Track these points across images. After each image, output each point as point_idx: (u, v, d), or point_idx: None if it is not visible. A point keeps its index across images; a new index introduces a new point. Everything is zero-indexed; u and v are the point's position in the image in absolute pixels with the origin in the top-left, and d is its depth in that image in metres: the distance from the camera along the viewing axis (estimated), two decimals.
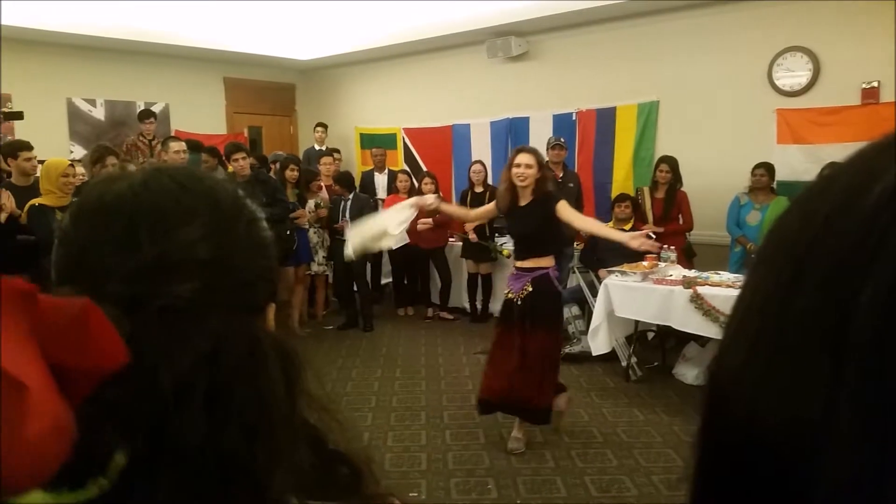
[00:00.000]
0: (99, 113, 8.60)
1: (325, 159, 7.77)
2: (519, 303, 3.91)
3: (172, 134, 7.89)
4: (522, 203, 3.88)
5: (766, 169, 5.73)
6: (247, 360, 0.53)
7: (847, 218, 0.26)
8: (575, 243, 6.47)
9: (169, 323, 0.52)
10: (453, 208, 4.99)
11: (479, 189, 7.05)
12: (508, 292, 4.03)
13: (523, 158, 3.84)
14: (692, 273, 5.19)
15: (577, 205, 6.46)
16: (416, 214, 4.00)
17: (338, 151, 8.52)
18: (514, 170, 3.83)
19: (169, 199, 0.57)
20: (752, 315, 0.30)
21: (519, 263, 4.01)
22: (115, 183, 0.58)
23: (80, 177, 5.26)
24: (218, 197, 0.59)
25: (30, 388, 0.38)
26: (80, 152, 7.87)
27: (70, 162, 5.16)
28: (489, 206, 4.36)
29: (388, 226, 3.79)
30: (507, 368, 3.93)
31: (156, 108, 8.30)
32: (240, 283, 0.57)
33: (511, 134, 8.18)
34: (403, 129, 9.24)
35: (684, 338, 5.33)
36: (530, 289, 3.89)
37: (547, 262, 3.95)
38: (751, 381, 0.28)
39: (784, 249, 0.29)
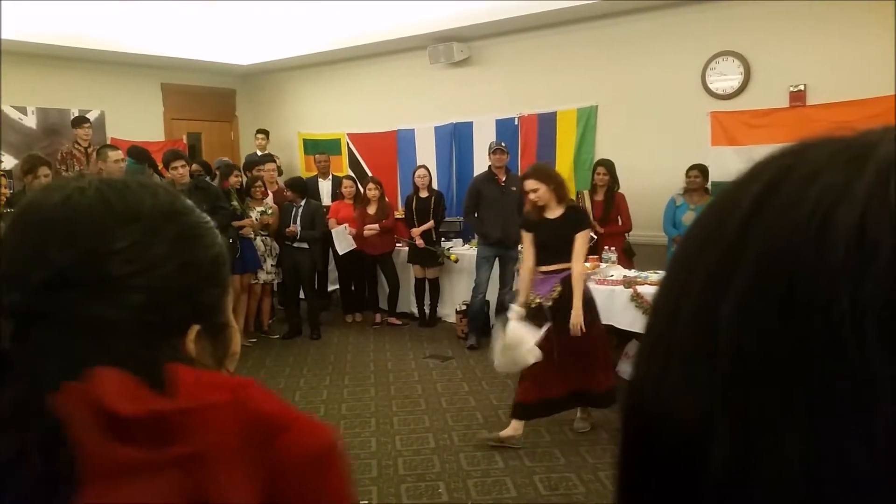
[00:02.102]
0: (30, 121, 8.30)
1: (268, 165, 7.67)
2: (550, 304, 4.04)
3: (108, 142, 7.67)
4: (552, 216, 4.06)
5: (700, 170, 5.91)
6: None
7: (715, 243, 0.30)
8: (518, 245, 6.55)
9: (64, 340, 0.51)
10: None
11: (423, 194, 7.07)
12: (535, 298, 4.11)
13: (528, 185, 4.07)
14: (632, 273, 5.33)
15: (520, 209, 6.56)
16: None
17: (272, 158, 8.35)
18: (528, 197, 4.07)
19: (84, 214, 0.56)
20: (656, 313, 0.33)
21: (544, 269, 4.13)
22: (49, 194, 0.58)
23: (4, 190, 5.07)
24: (140, 211, 0.58)
25: None
26: (10, 162, 7.59)
27: (3, 172, 4.98)
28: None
29: (525, 340, 3.90)
30: (553, 369, 3.99)
31: (90, 116, 8.05)
32: (152, 304, 0.55)
33: (455, 138, 8.23)
34: (347, 134, 9.19)
35: (626, 336, 5.44)
36: (559, 288, 4.04)
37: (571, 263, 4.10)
38: (652, 372, 0.31)
39: (681, 259, 0.32)
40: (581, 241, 4.03)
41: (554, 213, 4.05)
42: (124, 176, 0.64)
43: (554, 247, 4.05)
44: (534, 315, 4.06)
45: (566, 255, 4.03)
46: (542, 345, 3.90)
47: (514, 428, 4.18)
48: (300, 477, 0.41)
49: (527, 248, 4.29)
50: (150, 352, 0.54)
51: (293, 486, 0.40)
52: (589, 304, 4.14)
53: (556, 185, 4.06)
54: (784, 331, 0.26)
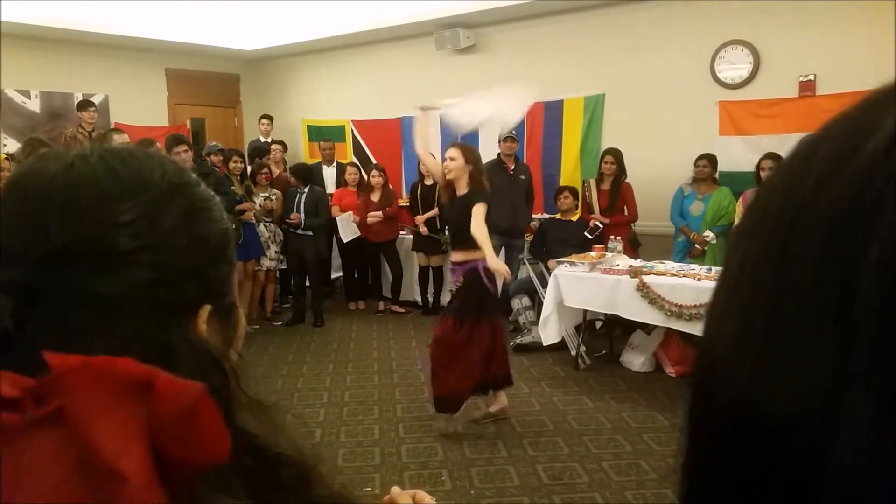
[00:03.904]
0: (34, 105, 8.27)
1: (274, 146, 7.68)
2: (451, 295, 4.17)
3: (112, 126, 7.64)
4: (458, 194, 4.03)
5: (709, 160, 5.86)
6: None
7: (838, 180, 0.24)
8: (525, 235, 6.53)
9: (68, 319, 0.49)
10: None
11: (429, 182, 7.04)
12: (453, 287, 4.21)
13: (449, 152, 4.03)
14: (638, 263, 5.30)
15: (528, 197, 6.54)
16: None
17: (282, 143, 8.37)
18: (444, 164, 4.05)
19: (89, 184, 0.52)
20: (741, 290, 0.27)
21: (453, 257, 4.16)
22: (46, 163, 0.54)
23: (5, 174, 5.06)
24: (148, 182, 0.54)
25: (129, 480, 0.38)
26: (14, 146, 7.56)
27: (6, 155, 4.96)
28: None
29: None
30: (471, 358, 4.04)
31: (94, 100, 8.02)
32: (166, 280, 0.52)
33: None
34: (352, 121, 9.15)
35: (631, 326, 5.43)
36: (461, 282, 4.05)
37: (477, 254, 3.97)
38: (745, 360, 0.26)
39: (771, 220, 0.27)
40: (477, 208, 3.91)
41: (461, 191, 4.03)
42: (128, 146, 0.60)
43: (455, 226, 4.08)
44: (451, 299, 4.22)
45: (468, 241, 3.95)
46: (445, 329, 4.05)
47: (500, 401, 4.34)
48: (174, 428, 0.41)
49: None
50: (160, 333, 0.51)
51: (169, 437, 0.41)
52: (482, 297, 4.05)
53: (475, 167, 4.02)
54: None
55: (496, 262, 4.01)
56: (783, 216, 0.26)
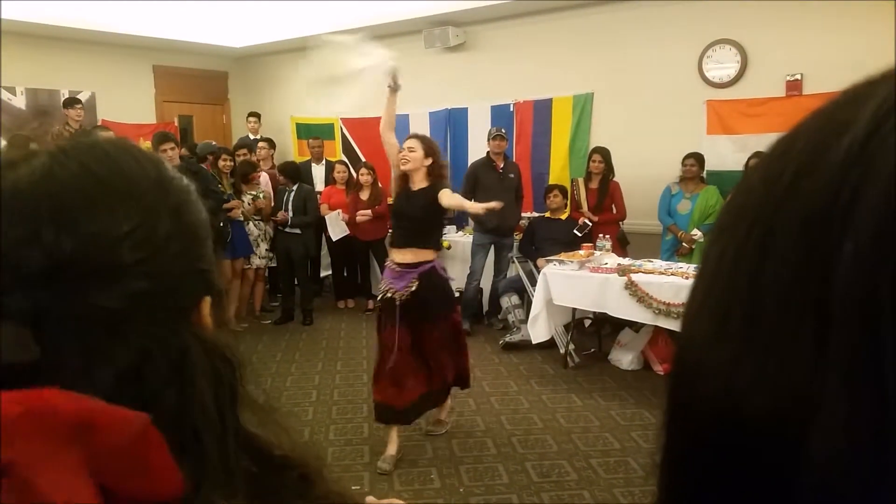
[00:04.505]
0: (19, 101, 8.20)
1: (261, 144, 7.66)
2: (400, 301, 3.70)
3: (99, 123, 7.59)
4: (415, 188, 3.79)
5: (696, 159, 5.89)
6: (174, 374, 0.49)
7: (814, 176, 0.24)
8: (514, 233, 6.55)
9: (84, 338, 0.47)
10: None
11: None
12: (388, 290, 3.77)
13: (408, 142, 3.79)
14: (626, 261, 5.32)
15: (518, 195, 6.55)
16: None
17: (269, 141, 8.32)
18: (400, 154, 3.77)
19: (74, 190, 0.49)
20: (718, 285, 0.28)
21: (399, 258, 3.78)
22: (16, 168, 0.49)
23: None
24: (133, 184, 0.52)
25: None
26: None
27: None
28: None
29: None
30: (411, 369, 3.75)
31: (81, 97, 7.95)
32: (167, 285, 0.51)
33: (450, 124, 8.18)
34: (341, 118, 9.12)
35: (619, 324, 5.45)
36: (416, 283, 3.71)
37: (429, 255, 3.79)
38: (723, 354, 0.26)
39: (747, 215, 0.27)
40: (445, 191, 3.71)
41: (418, 185, 3.78)
42: (95, 139, 0.56)
43: (409, 218, 3.74)
44: (384, 308, 3.81)
45: (423, 237, 3.76)
46: (392, 343, 3.69)
47: (446, 407, 4.19)
48: (120, 464, 0.41)
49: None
50: (174, 336, 0.50)
51: (116, 474, 0.41)
52: (445, 294, 3.89)
53: (435, 161, 3.78)
54: None
55: (479, 206, 3.92)
56: (761, 211, 0.26)
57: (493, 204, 3.88)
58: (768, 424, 0.24)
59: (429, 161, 3.75)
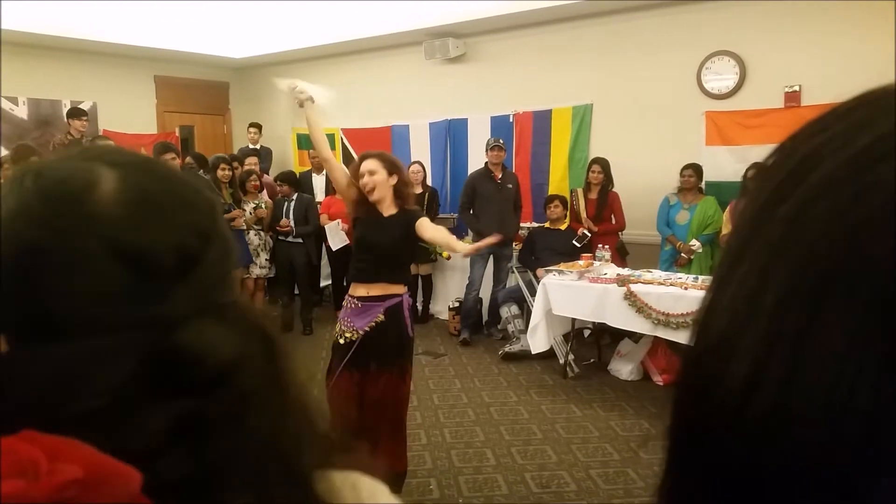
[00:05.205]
0: (21, 112, 8.23)
1: (249, 159, 7.67)
2: (365, 331, 3.24)
3: (101, 133, 7.62)
4: (386, 214, 3.29)
5: (695, 170, 5.91)
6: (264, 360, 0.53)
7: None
8: (514, 244, 6.56)
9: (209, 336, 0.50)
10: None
11: (417, 190, 7.04)
12: (346, 331, 3.32)
13: (367, 165, 3.26)
14: (625, 271, 5.33)
15: (516, 205, 6.57)
16: None
17: (257, 153, 8.29)
18: (360, 181, 3.26)
19: (154, 214, 0.53)
20: (748, 271, 0.27)
21: (364, 291, 3.28)
22: (87, 190, 0.51)
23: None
24: (192, 204, 0.56)
25: None
26: (1, 152, 7.52)
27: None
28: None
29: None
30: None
31: (83, 107, 7.99)
32: (221, 278, 0.55)
33: (450, 135, 8.21)
34: (342, 129, 9.16)
35: (618, 335, 5.46)
36: (381, 319, 3.24)
37: (401, 288, 3.32)
38: (748, 347, 0.26)
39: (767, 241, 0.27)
40: (424, 221, 3.28)
41: (388, 211, 3.29)
42: (117, 155, 0.57)
43: (382, 249, 3.23)
44: (338, 352, 3.32)
45: (395, 270, 3.31)
46: (342, 388, 3.23)
47: None
48: None
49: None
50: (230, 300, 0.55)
51: None
52: (403, 341, 3.32)
53: (400, 179, 3.31)
54: None
55: (470, 246, 3.46)
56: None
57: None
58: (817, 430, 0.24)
59: (394, 179, 3.28)
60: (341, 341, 3.30)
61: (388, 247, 3.23)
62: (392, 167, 3.30)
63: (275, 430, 0.50)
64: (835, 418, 0.22)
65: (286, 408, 0.53)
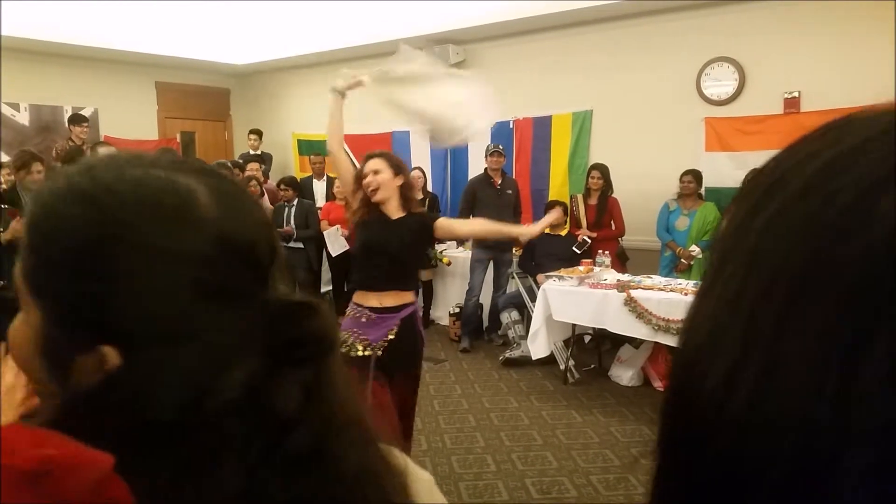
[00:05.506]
0: (23, 118, 8.25)
1: (251, 165, 7.67)
2: (380, 352, 3.05)
3: (102, 139, 7.63)
4: (394, 217, 3.14)
5: (694, 176, 5.92)
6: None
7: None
8: (514, 249, 6.56)
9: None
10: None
11: (418, 196, 7.05)
12: (359, 345, 3.04)
13: (371, 164, 3.14)
14: (625, 277, 5.33)
15: (516, 211, 6.58)
16: None
17: (257, 159, 8.32)
18: (364, 181, 3.11)
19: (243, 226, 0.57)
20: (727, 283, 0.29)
21: (377, 302, 3.07)
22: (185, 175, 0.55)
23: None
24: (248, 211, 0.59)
25: None
26: (2, 158, 7.53)
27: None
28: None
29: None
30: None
31: (84, 113, 8.01)
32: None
33: None
34: (343, 135, 9.16)
35: (619, 340, 5.46)
36: (396, 331, 3.07)
37: (411, 296, 3.18)
38: (727, 356, 0.27)
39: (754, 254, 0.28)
40: (443, 220, 3.24)
41: (396, 214, 3.14)
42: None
43: (392, 254, 3.05)
44: (356, 366, 2.98)
45: (406, 277, 3.17)
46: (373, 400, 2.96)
47: None
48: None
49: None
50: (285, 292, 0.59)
51: None
52: (417, 348, 3.22)
53: (406, 183, 3.17)
54: None
55: (533, 228, 3.41)
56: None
57: (550, 217, 3.57)
58: (795, 440, 0.24)
59: (400, 180, 3.13)
60: (353, 354, 3.04)
61: (395, 251, 3.06)
62: (397, 167, 3.18)
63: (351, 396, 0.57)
64: (805, 420, 0.23)
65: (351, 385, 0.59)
